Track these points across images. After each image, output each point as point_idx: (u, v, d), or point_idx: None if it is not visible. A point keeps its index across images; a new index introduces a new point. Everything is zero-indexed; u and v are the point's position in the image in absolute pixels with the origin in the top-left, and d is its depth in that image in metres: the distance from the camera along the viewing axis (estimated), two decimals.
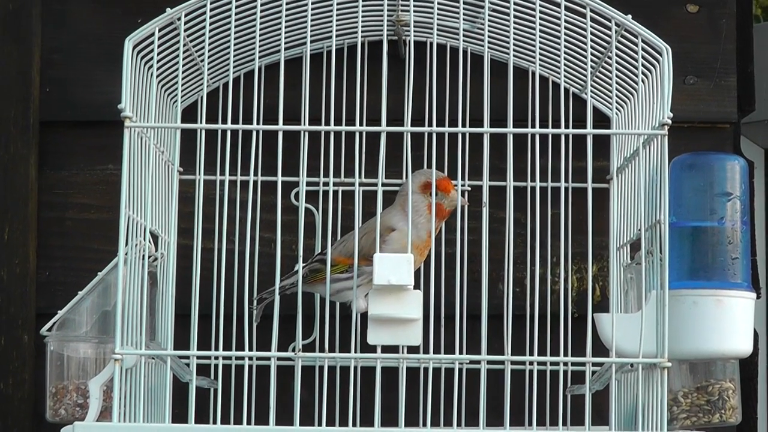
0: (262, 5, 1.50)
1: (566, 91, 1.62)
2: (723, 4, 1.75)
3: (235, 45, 1.51)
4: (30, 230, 1.73)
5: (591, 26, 1.47)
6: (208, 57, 1.59)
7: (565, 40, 1.48)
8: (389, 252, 1.47)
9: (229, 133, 1.45)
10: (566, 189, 1.59)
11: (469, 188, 1.67)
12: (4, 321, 1.71)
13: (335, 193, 1.68)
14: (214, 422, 1.57)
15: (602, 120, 1.71)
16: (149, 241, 1.49)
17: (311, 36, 1.48)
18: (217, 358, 1.47)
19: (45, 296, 1.73)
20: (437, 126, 1.43)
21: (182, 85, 1.54)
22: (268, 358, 1.42)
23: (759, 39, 1.83)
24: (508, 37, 1.55)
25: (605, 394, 1.62)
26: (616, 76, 1.51)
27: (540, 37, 1.52)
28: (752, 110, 1.76)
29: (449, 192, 1.54)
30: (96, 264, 1.61)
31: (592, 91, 1.66)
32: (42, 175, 1.75)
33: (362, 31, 1.52)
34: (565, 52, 1.49)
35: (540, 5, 1.49)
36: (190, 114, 1.70)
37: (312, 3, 1.48)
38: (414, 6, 1.58)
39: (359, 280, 1.45)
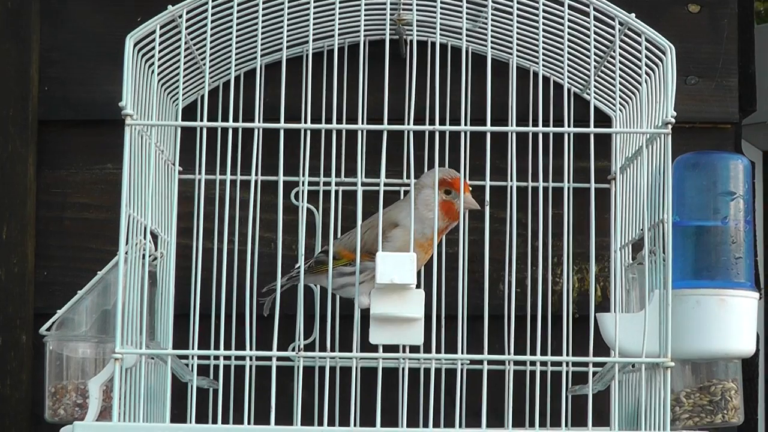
0: (264, 3, 1.49)
1: (568, 90, 1.62)
2: (725, 4, 1.74)
3: (236, 43, 1.51)
4: (28, 230, 1.72)
5: (594, 25, 1.46)
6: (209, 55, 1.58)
7: (568, 39, 1.48)
8: (391, 249, 1.46)
9: (230, 132, 1.43)
10: (568, 189, 1.59)
11: (470, 188, 1.66)
12: (2, 321, 1.70)
13: (336, 192, 1.67)
14: (214, 422, 1.56)
15: (602, 120, 1.70)
16: (149, 241, 1.48)
17: (313, 35, 1.48)
18: (217, 357, 1.46)
19: (43, 296, 1.73)
20: (438, 125, 1.42)
21: (182, 83, 1.53)
22: (268, 358, 1.42)
23: (760, 39, 1.83)
24: (510, 36, 1.55)
25: (605, 395, 1.62)
26: (619, 75, 1.51)
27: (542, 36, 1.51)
28: (753, 111, 1.76)
29: (465, 193, 1.51)
30: (94, 264, 1.61)
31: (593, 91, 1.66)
32: (40, 175, 1.74)
33: (364, 31, 1.51)
34: (567, 52, 1.48)
35: (543, 4, 1.48)
36: (188, 113, 1.69)
37: (314, 2, 1.48)
38: (416, 5, 1.58)
39: (362, 276, 1.44)
